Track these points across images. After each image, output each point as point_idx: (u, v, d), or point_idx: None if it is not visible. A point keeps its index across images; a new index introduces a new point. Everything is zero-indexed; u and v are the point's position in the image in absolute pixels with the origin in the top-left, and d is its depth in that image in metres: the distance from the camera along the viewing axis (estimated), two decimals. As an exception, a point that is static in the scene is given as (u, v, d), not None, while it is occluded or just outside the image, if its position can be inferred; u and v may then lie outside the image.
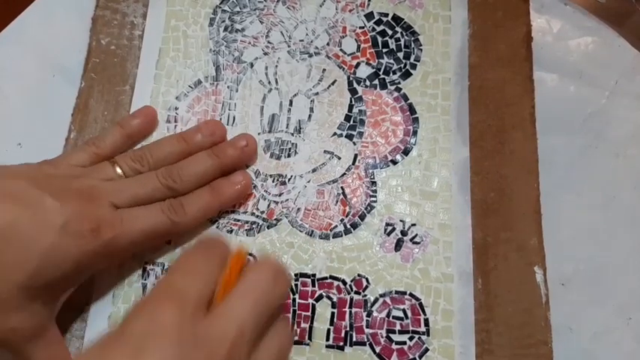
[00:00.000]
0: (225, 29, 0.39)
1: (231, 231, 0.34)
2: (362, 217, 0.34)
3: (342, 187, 0.35)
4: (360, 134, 0.36)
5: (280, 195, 0.35)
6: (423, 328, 0.32)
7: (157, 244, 0.33)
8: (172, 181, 0.32)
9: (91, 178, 0.31)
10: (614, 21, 0.38)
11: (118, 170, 0.32)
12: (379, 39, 0.38)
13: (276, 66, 0.38)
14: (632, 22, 0.38)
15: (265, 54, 0.38)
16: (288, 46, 0.38)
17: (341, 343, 0.32)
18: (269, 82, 0.37)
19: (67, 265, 0.28)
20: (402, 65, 0.37)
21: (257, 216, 0.34)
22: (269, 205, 0.35)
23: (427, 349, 0.31)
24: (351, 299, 0.32)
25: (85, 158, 0.33)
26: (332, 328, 0.32)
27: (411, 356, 0.31)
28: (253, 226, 0.34)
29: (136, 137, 0.35)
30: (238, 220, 0.34)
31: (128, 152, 0.34)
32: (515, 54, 0.37)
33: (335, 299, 0.33)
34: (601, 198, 0.35)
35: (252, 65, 0.38)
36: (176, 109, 0.37)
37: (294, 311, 0.32)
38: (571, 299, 0.32)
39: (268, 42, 0.38)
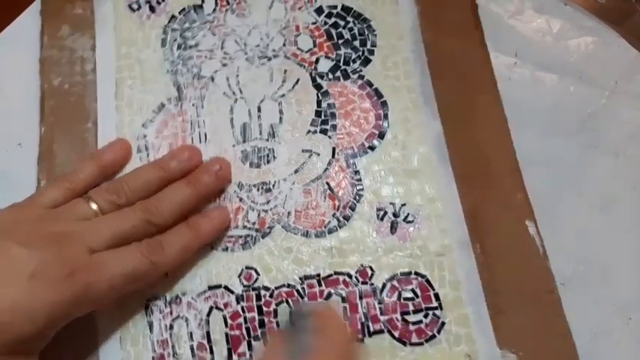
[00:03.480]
0: (179, 47, 0.36)
1: (226, 249, 0.32)
2: (352, 208, 0.33)
3: (327, 183, 0.33)
4: (334, 127, 0.34)
5: (268, 202, 0.33)
6: (435, 303, 0.31)
7: (139, 287, 0.30)
8: (151, 214, 0.29)
9: (65, 219, 0.28)
10: (614, 21, 0.36)
11: (93, 206, 0.29)
12: (333, 31, 0.36)
13: (237, 75, 0.36)
14: (632, 22, 0.36)
15: (224, 65, 0.36)
16: (245, 54, 0.36)
17: (360, 336, 0.30)
18: (233, 93, 0.35)
19: (39, 316, 0.25)
20: (360, 53, 0.36)
21: (249, 228, 0.32)
22: (259, 215, 0.33)
23: (444, 323, 0.30)
24: (360, 290, 0.31)
25: (58, 196, 0.30)
26: (347, 322, 0.30)
27: (430, 333, 0.30)
28: (248, 239, 0.32)
29: (110, 170, 0.33)
30: (232, 237, 0.32)
31: (103, 185, 0.31)
32: (464, 24, 0.36)
33: (344, 294, 0.31)
34: (601, 198, 0.33)
35: (212, 79, 0.35)
36: (144, 136, 0.34)
37: (307, 314, 0.31)
38: (571, 299, 0.31)
39: (224, 53, 0.36)
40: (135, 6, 0.37)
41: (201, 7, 0.37)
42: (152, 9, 0.37)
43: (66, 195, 0.30)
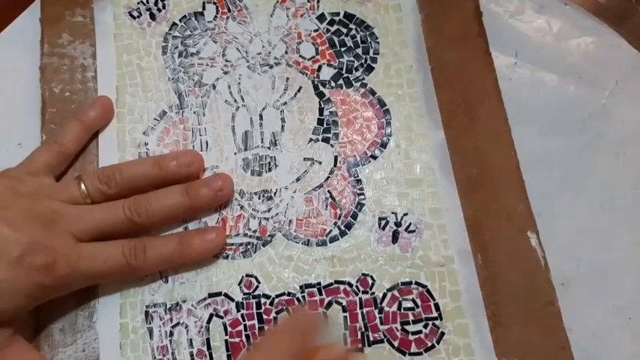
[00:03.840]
0: (180, 55, 0.37)
1: (227, 256, 0.33)
2: (354, 217, 0.33)
3: (328, 191, 0.34)
4: (336, 135, 0.35)
5: (269, 210, 0.34)
6: (435, 314, 0.31)
7: (117, 280, 0.32)
8: (137, 215, 0.30)
9: (56, 200, 0.30)
10: (614, 21, 0.37)
11: (83, 188, 0.31)
12: (335, 39, 0.37)
13: (239, 83, 0.36)
14: (632, 22, 0.37)
15: (225, 73, 0.36)
16: (247, 61, 0.37)
17: (359, 345, 0.31)
18: (235, 101, 0.36)
19: (18, 296, 0.28)
20: (363, 61, 0.36)
21: (250, 236, 0.33)
22: (260, 223, 0.33)
23: (443, 333, 0.31)
24: (360, 300, 0.32)
25: (50, 159, 0.32)
26: (347, 332, 0.31)
27: (429, 343, 0.31)
28: (248, 246, 0.33)
29: (95, 129, 0.34)
30: (232, 244, 0.33)
31: (97, 170, 0.32)
32: (468, 31, 0.37)
33: (344, 303, 0.32)
34: (601, 198, 0.34)
35: (214, 86, 0.36)
36: (146, 144, 0.35)
37: (307, 323, 0.31)
38: (571, 299, 0.31)
39: (226, 60, 0.37)
40: (135, 13, 0.38)
41: (202, 14, 0.38)
42: (152, 16, 0.38)
43: (58, 158, 0.32)
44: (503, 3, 0.38)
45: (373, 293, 0.32)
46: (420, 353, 0.30)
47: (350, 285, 0.32)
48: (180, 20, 0.37)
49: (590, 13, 0.38)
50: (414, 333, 0.31)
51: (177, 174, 0.32)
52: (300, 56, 0.37)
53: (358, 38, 0.37)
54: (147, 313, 0.31)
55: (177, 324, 0.31)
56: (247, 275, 0.32)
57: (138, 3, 0.38)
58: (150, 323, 0.31)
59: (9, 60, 0.37)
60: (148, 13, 0.38)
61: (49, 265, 0.28)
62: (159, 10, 0.38)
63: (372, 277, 0.32)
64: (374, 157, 0.35)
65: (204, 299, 0.32)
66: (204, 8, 0.38)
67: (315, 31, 0.37)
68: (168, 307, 0.32)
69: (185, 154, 0.33)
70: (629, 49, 0.37)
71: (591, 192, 0.34)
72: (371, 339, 0.31)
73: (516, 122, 0.34)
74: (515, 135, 0.34)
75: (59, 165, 0.33)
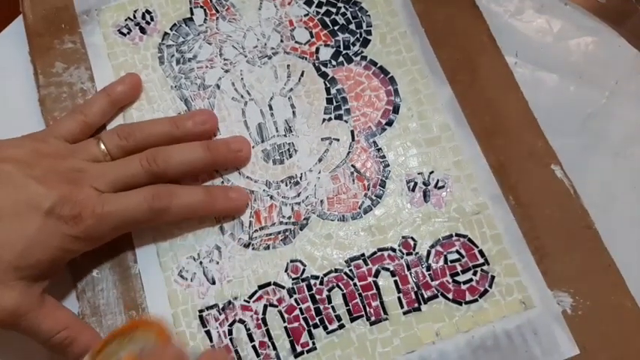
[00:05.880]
0: (178, 62, 0.39)
1: (268, 247, 0.35)
2: (383, 185, 0.36)
3: (352, 165, 0.37)
4: (348, 111, 0.38)
5: (298, 195, 0.36)
6: (481, 260, 0.34)
7: (144, 226, 0.35)
8: (156, 165, 0.33)
9: (78, 159, 0.33)
10: (614, 21, 0.38)
11: (102, 147, 0.34)
12: (327, 19, 0.40)
13: (242, 78, 0.39)
14: (632, 22, 0.38)
15: (226, 71, 0.39)
16: (245, 56, 0.39)
17: (416, 305, 0.33)
18: (242, 96, 0.38)
19: (51, 247, 0.31)
20: (358, 35, 0.40)
21: (285, 223, 0.36)
22: (292, 209, 0.36)
23: (493, 277, 0.34)
24: (407, 262, 0.34)
25: (74, 127, 0.35)
26: (401, 295, 0.34)
27: (482, 288, 0.33)
28: (286, 233, 0.35)
29: (121, 103, 0.37)
30: (270, 234, 0.35)
31: (115, 128, 0.35)
32: (452, -11, 0.40)
33: (392, 268, 0.34)
34: (601, 198, 0.35)
35: (218, 86, 0.39)
36: (162, 155, 0.37)
37: (360, 294, 0.34)
38: None
39: (224, 59, 0.39)
40: (124, 30, 0.40)
41: (191, 19, 0.40)
42: (142, 30, 0.40)
43: (82, 127, 0.35)
44: (503, 3, 0.40)
45: (417, 253, 0.34)
46: (476, 300, 0.33)
47: (393, 250, 0.35)
48: (170, 29, 0.40)
49: (590, 13, 0.39)
50: (465, 282, 0.34)
51: (193, 132, 0.35)
52: (296, 42, 0.40)
53: (349, 15, 0.40)
54: (201, 318, 0.34)
55: (234, 321, 0.33)
56: (292, 261, 0.35)
57: (125, 20, 0.40)
58: (206, 326, 0.33)
59: (9, 60, 0.39)
60: (137, 27, 0.40)
61: (76, 216, 0.31)
62: (147, 22, 0.40)
63: (412, 239, 0.35)
64: (389, 124, 0.37)
65: (255, 292, 0.34)
66: (192, 13, 0.40)
67: (306, 15, 0.40)
68: (220, 307, 0.34)
69: (200, 113, 0.37)
70: (629, 49, 0.39)
71: (591, 192, 0.35)
72: (425, 296, 0.33)
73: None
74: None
75: (81, 134, 0.35)
